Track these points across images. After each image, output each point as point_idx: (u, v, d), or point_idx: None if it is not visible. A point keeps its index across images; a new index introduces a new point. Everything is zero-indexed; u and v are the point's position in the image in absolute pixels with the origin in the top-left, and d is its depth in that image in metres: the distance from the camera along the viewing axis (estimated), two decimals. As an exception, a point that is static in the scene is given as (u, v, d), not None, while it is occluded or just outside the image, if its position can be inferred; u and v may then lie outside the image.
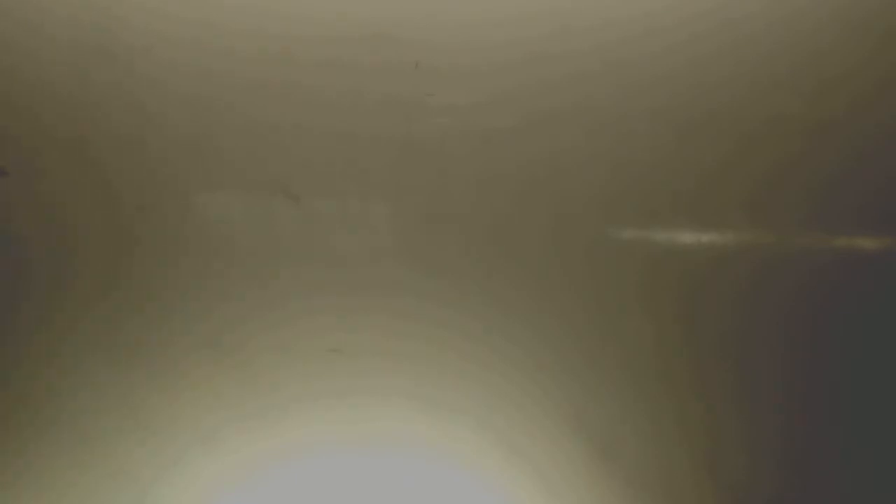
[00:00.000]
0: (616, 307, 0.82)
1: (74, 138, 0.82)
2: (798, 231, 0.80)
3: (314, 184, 0.82)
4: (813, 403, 0.81)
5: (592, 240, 0.81)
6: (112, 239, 0.83)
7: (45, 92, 0.82)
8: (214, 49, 0.81)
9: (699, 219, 0.81)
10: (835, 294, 0.80)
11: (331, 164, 0.82)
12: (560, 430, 0.83)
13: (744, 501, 0.82)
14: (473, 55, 0.80)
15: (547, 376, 0.82)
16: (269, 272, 0.83)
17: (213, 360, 0.83)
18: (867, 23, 0.78)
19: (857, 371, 0.81)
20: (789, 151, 0.79)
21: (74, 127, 0.82)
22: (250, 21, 0.81)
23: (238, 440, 0.84)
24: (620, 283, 0.82)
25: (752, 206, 0.80)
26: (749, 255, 0.80)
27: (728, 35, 0.79)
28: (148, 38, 0.82)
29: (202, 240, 0.83)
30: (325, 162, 0.82)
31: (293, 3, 0.81)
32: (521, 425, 0.83)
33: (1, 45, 0.82)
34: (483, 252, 0.82)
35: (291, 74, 0.81)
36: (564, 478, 0.83)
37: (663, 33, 0.79)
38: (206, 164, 0.83)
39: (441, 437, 0.83)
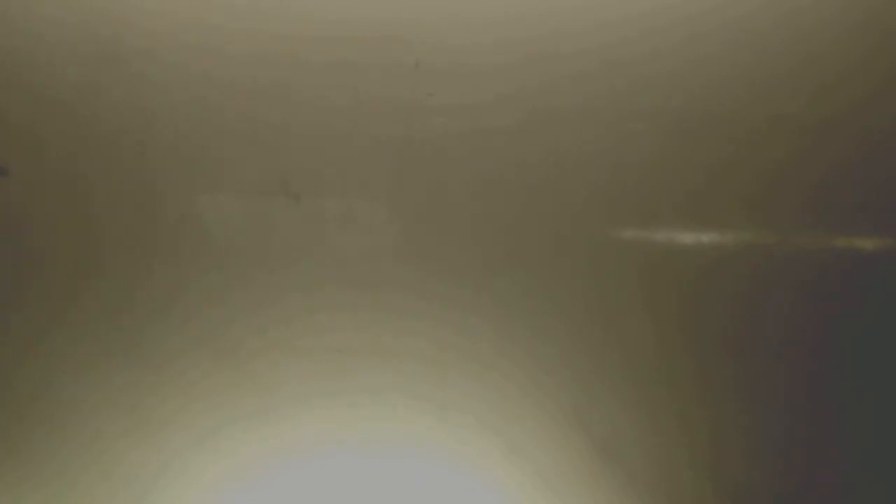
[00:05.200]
0: (617, 307, 0.82)
1: (76, 139, 0.83)
2: (799, 231, 0.80)
3: (314, 183, 0.82)
4: (814, 403, 0.81)
5: (593, 239, 0.81)
6: (112, 239, 0.83)
7: (47, 94, 0.83)
8: (215, 50, 0.82)
9: (700, 219, 0.81)
10: (836, 294, 0.80)
11: (331, 163, 0.82)
12: (560, 430, 0.82)
13: (745, 502, 0.82)
14: (473, 55, 0.80)
15: (547, 376, 0.82)
16: (269, 271, 0.83)
17: (212, 359, 0.83)
18: (867, 23, 0.78)
19: (859, 371, 0.81)
20: (790, 151, 0.79)
21: (75, 127, 0.83)
22: (251, 23, 0.81)
23: (237, 440, 0.84)
24: (622, 282, 0.82)
25: (753, 205, 0.80)
26: (750, 254, 0.80)
27: (728, 35, 0.79)
28: (149, 39, 0.82)
29: (202, 239, 0.83)
30: (325, 162, 0.82)
31: (293, 4, 0.81)
32: (521, 425, 0.83)
33: (2, 47, 0.82)
34: (483, 251, 0.82)
35: (292, 75, 0.81)
36: (564, 478, 0.83)
37: (663, 33, 0.79)
38: (206, 163, 0.83)
39: (441, 436, 0.83)
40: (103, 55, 0.82)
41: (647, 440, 0.82)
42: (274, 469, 0.84)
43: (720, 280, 0.81)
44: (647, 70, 0.80)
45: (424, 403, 0.83)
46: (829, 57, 0.79)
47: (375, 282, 0.82)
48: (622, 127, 0.80)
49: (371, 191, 0.82)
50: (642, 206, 0.81)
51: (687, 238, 0.81)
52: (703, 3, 0.79)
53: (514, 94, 0.81)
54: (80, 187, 0.83)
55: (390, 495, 0.84)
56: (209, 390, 0.84)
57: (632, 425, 0.82)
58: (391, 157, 0.82)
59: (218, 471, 0.84)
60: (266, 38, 0.81)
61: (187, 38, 0.81)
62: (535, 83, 0.80)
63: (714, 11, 0.79)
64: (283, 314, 0.83)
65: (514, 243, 0.82)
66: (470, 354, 0.82)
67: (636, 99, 0.80)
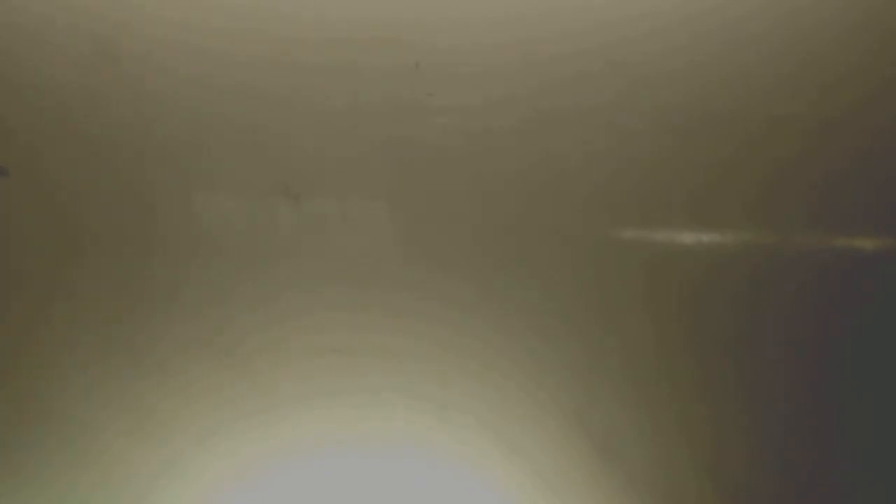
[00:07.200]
0: (618, 306, 0.82)
1: (75, 139, 0.83)
2: (800, 231, 0.80)
3: (314, 184, 0.83)
4: (815, 403, 0.81)
5: (593, 239, 0.81)
6: (111, 239, 0.83)
7: (46, 96, 0.83)
8: (214, 53, 0.82)
9: (700, 219, 0.81)
10: (837, 294, 0.80)
11: (331, 164, 0.82)
12: (560, 430, 0.82)
13: (745, 502, 0.82)
14: (474, 56, 0.80)
15: (548, 376, 0.82)
16: (269, 271, 0.83)
17: (212, 359, 0.84)
18: (867, 23, 0.78)
19: (860, 372, 0.81)
20: (790, 151, 0.79)
21: (75, 128, 0.83)
22: (250, 24, 0.81)
23: (236, 440, 0.84)
24: (623, 282, 0.82)
25: (755, 206, 0.80)
26: (751, 255, 0.80)
27: (728, 35, 0.79)
28: (147, 42, 0.82)
29: (202, 239, 0.83)
30: (325, 162, 0.82)
31: (292, 6, 0.81)
32: (521, 425, 0.83)
33: (2, 50, 0.83)
34: (484, 252, 0.82)
35: (291, 75, 0.81)
36: (564, 478, 0.83)
37: (663, 33, 0.79)
38: (206, 164, 0.83)
39: (441, 436, 0.83)
40: (102, 57, 0.82)
41: (647, 440, 0.82)
42: (274, 469, 0.84)
43: (721, 280, 0.81)
44: (648, 70, 0.79)
45: (424, 403, 0.83)
46: (829, 57, 0.78)
47: (375, 282, 0.83)
48: (622, 127, 0.80)
49: (371, 191, 0.83)
50: (643, 206, 0.81)
51: (687, 238, 0.81)
52: (703, 4, 0.79)
53: (515, 94, 0.80)
54: (80, 188, 0.83)
55: (390, 495, 0.84)
56: (209, 390, 0.84)
57: (632, 425, 0.82)
58: (391, 158, 0.82)
59: (218, 471, 0.84)
60: (266, 39, 0.81)
61: (186, 40, 0.81)
62: (535, 83, 0.80)
63: (714, 12, 0.79)
64: (283, 314, 0.83)
65: (515, 243, 0.82)
66: (470, 354, 0.82)
67: (636, 99, 0.80)
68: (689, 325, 0.81)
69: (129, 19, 0.82)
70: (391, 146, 0.82)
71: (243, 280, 0.83)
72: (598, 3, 0.79)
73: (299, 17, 0.81)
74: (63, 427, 0.85)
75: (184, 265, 0.83)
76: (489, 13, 0.80)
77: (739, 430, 0.82)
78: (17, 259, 0.84)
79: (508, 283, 0.82)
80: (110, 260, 0.83)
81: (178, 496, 0.84)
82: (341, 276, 0.83)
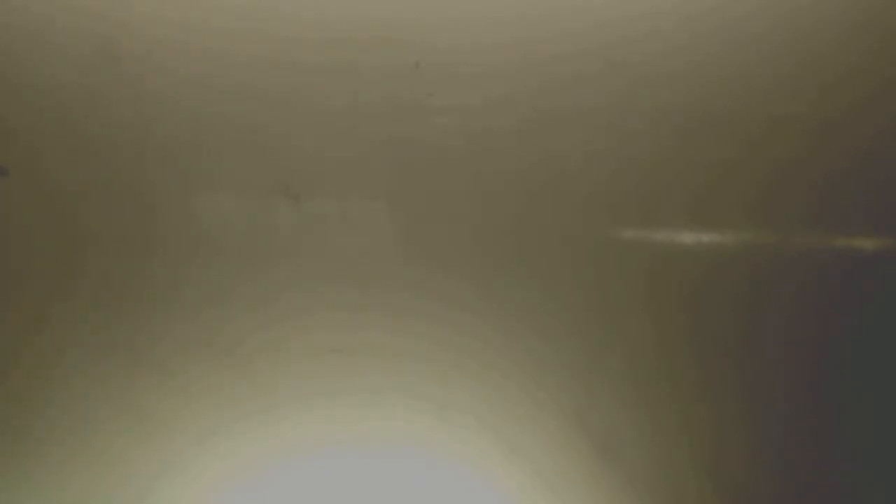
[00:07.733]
0: (618, 306, 0.82)
1: (75, 139, 0.83)
2: (801, 231, 0.80)
3: (314, 184, 0.83)
4: (815, 403, 0.81)
5: (594, 239, 0.81)
6: (111, 239, 0.83)
7: (46, 96, 0.83)
8: (214, 53, 0.82)
9: (700, 219, 0.81)
10: (838, 295, 0.80)
11: (331, 164, 0.82)
12: (560, 430, 0.82)
13: (745, 502, 0.82)
14: (473, 56, 0.81)
15: (548, 376, 0.82)
16: (269, 271, 0.83)
17: (212, 358, 0.83)
18: (867, 23, 0.78)
19: (859, 371, 0.81)
20: (790, 151, 0.79)
21: (75, 128, 0.83)
22: (250, 25, 0.81)
23: (236, 440, 0.84)
24: (623, 283, 0.82)
25: (754, 205, 0.80)
26: (752, 255, 0.80)
27: (728, 35, 0.79)
28: (147, 42, 0.82)
29: (202, 239, 0.83)
30: (325, 162, 0.82)
31: (292, 7, 0.81)
32: (522, 425, 0.83)
33: (2, 50, 0.83)
34: (484, 252, 0.82)
35: (291, 75, 0.81)
36: (564, 478, 0.83)
37: (663, 33, 0.79)
38: (206, 164, 0.83)
39: (441, 436, 0.83)
40: (102, 57, 0.82)
41: (647, 440, 0.82)
42: (274, 469, 0.84)
43: (721, 280, 0.81)
44: (648, 70, 0.80)
45: (424, 403, 0.83)
46: (829, 57, 0.79)
47: (375, 282, 0.83)
48: (622, 127, 0.80)
49: (371, 191, 0.83)
50: (643, 206, 0.81)
51: (687, 238, 0.81)
52: (703, 4, 0.79)
53: (515, 94, 0.81)
54: (80, 188, 0.83)
55: (390, 495, 0.84)
56: (209, 390, 0.84)
57: (632, 425, 0.82)
58: (391, 158, 0.82)
59: (218, 471, 0.84)
60: (265, 39, 0.81)
61: (186, 40, 0.81)
62: (535, 84, 0.80)
63: (714, 12, 0.79)
64: (283, 314, 0.83)
65: (515, 243, 0.82)
66: (470, 354, 0.82)
67: (636, 99, 0.80)
68: (689, 325, 0.81)
69: (129, 19, 0.82)
70: (391, 146, 0.82)
71: (243, 280, 0.83)
72: (598, 3, 0.79)
73: (299, 17, 0.81)
74: (63, 427, 0.85)
75: (184, 265, 0.83)
76: (489, 13, 0.80)
77: (739, 430, 0.82)
78: (17, 259, 0.84)
79: (508, 283, 0.82)
80: (110, 260, 0.83)
81: (178, 496, 0.84)
82: (341, 276, 0.83)
